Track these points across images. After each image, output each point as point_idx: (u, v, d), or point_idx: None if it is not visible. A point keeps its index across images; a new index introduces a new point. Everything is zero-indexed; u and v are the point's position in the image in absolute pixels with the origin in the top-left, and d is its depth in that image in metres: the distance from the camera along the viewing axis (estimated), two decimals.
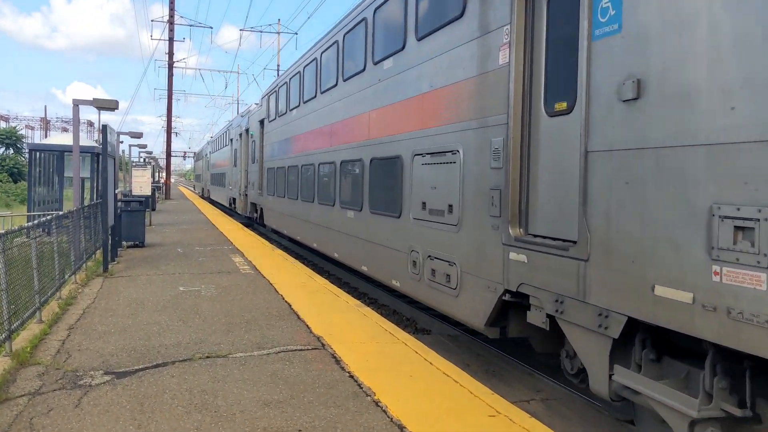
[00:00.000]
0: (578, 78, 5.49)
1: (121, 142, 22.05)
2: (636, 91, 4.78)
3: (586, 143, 5.32)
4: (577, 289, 5.42)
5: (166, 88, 49.53)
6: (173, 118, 52.08)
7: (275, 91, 20.90)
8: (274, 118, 20.93)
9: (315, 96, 15.02)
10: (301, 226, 16.67)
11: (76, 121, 13.01)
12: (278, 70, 60.04)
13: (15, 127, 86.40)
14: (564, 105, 6.00)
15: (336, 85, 13.16)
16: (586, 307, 5.30)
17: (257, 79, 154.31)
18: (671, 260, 4.46)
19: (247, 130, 28.09)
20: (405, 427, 4.90)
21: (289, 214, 18.14)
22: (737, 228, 4.01)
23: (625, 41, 4.96)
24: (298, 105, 16.96)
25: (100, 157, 19.86)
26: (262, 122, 23.64)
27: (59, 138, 26.50)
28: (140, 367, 6.36)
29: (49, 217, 9.57)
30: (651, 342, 5.02)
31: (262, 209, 23.61)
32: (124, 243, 16.34)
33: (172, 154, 55.39)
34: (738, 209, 3.99)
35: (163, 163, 61.67)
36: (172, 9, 47.28)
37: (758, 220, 3.88)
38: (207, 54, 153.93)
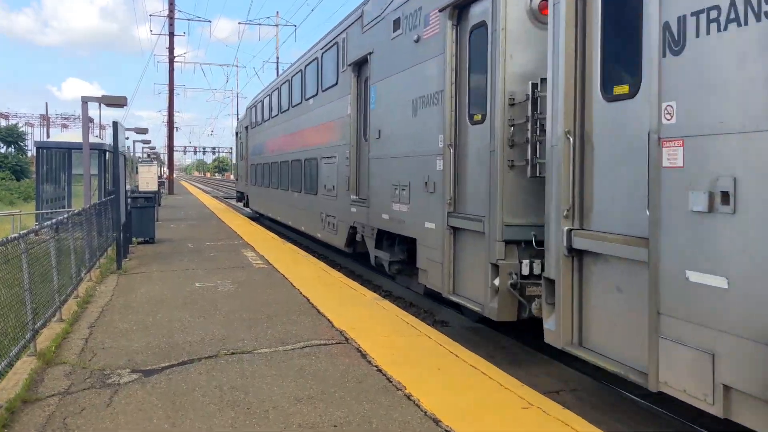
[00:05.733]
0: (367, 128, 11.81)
1: (127, 138, 21.97)
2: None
3: (368, 154, 11.56)
4: (366, 220, 11.61)
5: (167, 83, 49.40)
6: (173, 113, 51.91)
7: None
8: None
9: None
10: None
11: (85, 118, 12.96)
12: (278, 63, 59.43)
13: (16, 125, 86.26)
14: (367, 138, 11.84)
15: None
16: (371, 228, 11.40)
17: (258, 72, 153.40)
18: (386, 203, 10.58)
19: None
20: (440, 421, 4.88)
21: None
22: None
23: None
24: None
25: (109, 154, 19.88)
26: None
27: (65, 135, 26.44)
28: (167, 364, 6.34)
29: (65, 216, 9.53)
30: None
31: None
32: (134, 239, 16.32)
33: (173, 149, 55.26)
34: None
35: (163, 158, 61.45)
36: (172, 3, 47.05)
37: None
38: (205, 48, 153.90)
